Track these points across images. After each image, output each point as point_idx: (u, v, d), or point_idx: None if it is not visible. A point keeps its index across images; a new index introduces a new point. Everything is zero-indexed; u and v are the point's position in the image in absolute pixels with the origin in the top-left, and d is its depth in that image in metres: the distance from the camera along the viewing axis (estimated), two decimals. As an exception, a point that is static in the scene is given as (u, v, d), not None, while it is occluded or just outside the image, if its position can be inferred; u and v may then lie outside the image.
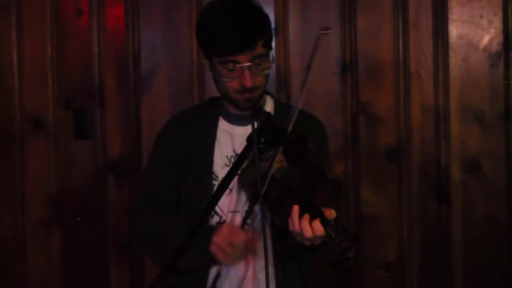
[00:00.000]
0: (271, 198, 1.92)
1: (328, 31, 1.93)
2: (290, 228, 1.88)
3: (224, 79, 2.08)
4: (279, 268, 2.12)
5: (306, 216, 1.85)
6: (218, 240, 2.02)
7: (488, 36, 2.94)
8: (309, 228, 1.83)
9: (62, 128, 3.18)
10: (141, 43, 3.12)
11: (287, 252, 2.12)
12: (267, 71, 2.09)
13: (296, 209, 1.86)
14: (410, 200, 2.98)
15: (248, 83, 2.04)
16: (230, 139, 2.17)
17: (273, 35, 2.19)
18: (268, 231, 2.07)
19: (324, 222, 1.83)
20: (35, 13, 3.17)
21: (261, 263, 2.08)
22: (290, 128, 1.93)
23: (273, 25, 2.95)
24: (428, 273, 2.99)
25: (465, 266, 2.96)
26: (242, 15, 2.05)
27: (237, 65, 2.04)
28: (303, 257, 2.16)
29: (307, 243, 1.89)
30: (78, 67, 3.17)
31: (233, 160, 2.14)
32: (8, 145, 3.21)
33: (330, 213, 1.85)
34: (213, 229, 2.06)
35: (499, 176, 2.93)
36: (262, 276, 2.07)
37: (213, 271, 2.15)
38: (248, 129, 1.91)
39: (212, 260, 2.07)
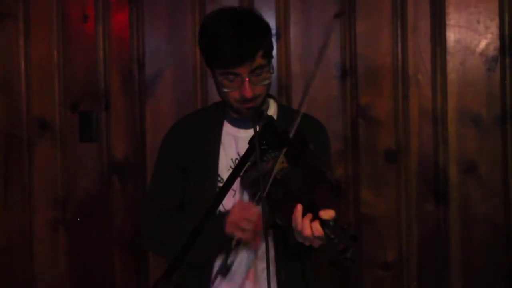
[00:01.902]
0: (272, 198, 1.94)
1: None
2: (293, 226, 1.90)
3: (225, 90, 2.10)
4: (281, 267, 2.14)
5: (309, 215, 1.87)
6: (233, 219, 2.03)
7: (485, 41, 2.95)
8: (309, 227, 1.85)
9: (68, 131, 3.21)
10: (146, 48, 3.14)
11: (288, 252, 2.13)
12: (267, 81, 2.10)
13: (299, 207, 1.88)
14: (408, 201, 2.99)
15: (248, 94, 2.06)
16: (234, 142, 2.19)
17: (274, 44, 2.18)
18: (270, 230, 2.09)
19: (323, 223, 1.85)
20: (42, 19, 3.20)
21: (262, 262, 2.12)
22: (293, 131, 1.94)
23: (274, 31, 2.99)
24: (426, 273, 3.00)
25: (462, 265, 2.97)
26: (241, 27, 2.06)
27: (237, 77, 2.06)
28: (303, 256, 2.18)
29: (307, 243, 1.90)
30: (84, 71, 3.19)
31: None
32: (16, 148, 3.24)
33: (329, 214, 1.87)
34: (224, 214, 2.06)
35: (495, 177, 2.94)
36: (263, 275, 2.11)
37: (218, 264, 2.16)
38: (251, 132, 1.92)
39: (228, 243, 2.06)
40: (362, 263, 3.02)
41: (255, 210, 2.01)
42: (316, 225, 1.85)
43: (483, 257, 2.98)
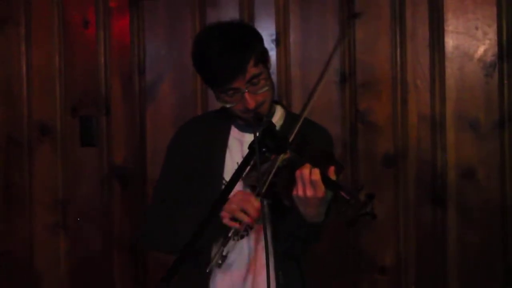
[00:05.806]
0: (278, 183, 1.96)
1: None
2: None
3: (227, 105, 2.12)
4: (279, 269, 2.15)
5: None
6: (230, 207, 2.02)
7: (483, 47, 2.96)
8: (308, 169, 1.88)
9: (69, 136, 3.23)
10: (146, 54, 3.16)
11: (287, 253, 2.15)
12: (266, 88, 2.10)
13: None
14: (406, 206, 3.00)
15: (251, 105, 2.07)
16: (240, 146, 2.21)
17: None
18: (269, 232, 2.09)
19: (338, 186, 1.86)
20: (43, 25, 3.22)
21: (261, 264, 2.12)
22: (292, 136, 1.96)
23: (274, 37, 3.01)
24: (424, 277, 3.01)
25: (460, 269, 2.98)
26: (227, 43, 2.07)
27: (236, 91, 2.07)
28: (300, 254, 2.19)
29: (309, 194, 1.89)
30: (84, 76, 3.21)
31: (242, 166, 2.18)
32: (17, 152, 3.26)
33: (333, 175, 1.90)
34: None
35: (493, 182, 2.95)
36: (262, 277, 2.09)
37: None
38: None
39: (224, 232, 2.05)
40: (360, 267, 3.03)
41: (255, 203, 2.00)
42: (315, 169, 1.87)
43: (480, 261, 2.99)
